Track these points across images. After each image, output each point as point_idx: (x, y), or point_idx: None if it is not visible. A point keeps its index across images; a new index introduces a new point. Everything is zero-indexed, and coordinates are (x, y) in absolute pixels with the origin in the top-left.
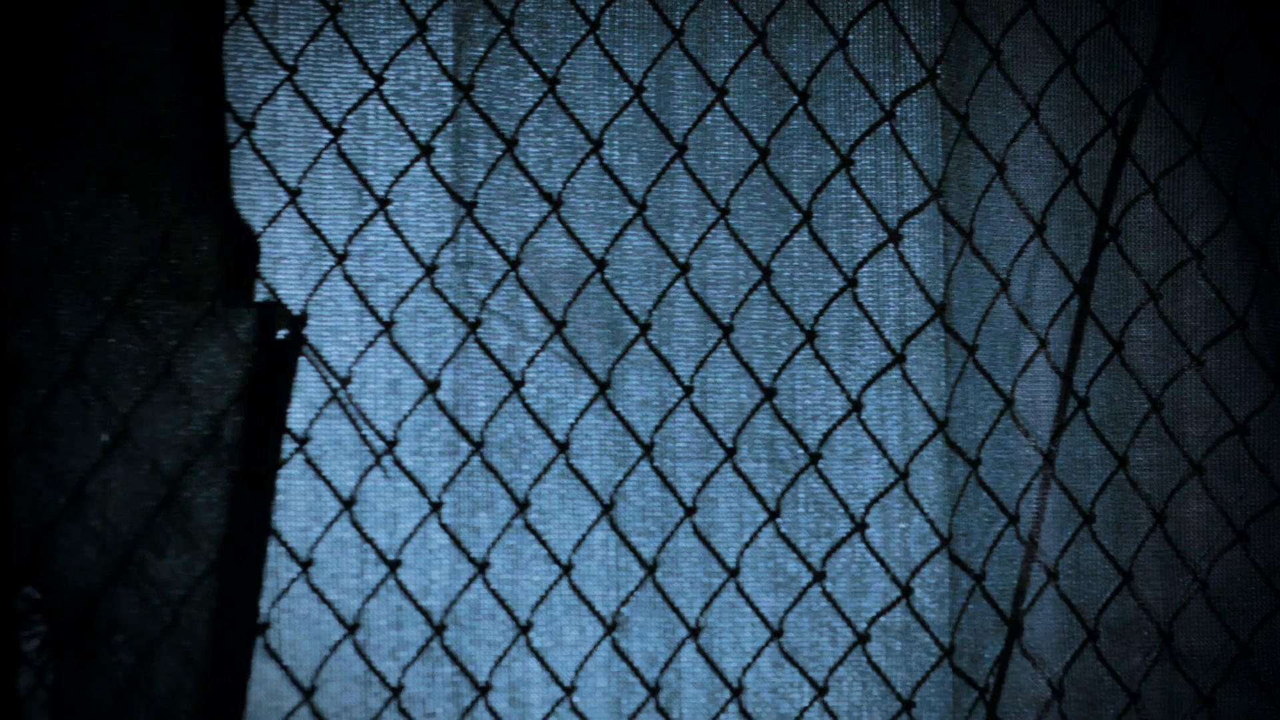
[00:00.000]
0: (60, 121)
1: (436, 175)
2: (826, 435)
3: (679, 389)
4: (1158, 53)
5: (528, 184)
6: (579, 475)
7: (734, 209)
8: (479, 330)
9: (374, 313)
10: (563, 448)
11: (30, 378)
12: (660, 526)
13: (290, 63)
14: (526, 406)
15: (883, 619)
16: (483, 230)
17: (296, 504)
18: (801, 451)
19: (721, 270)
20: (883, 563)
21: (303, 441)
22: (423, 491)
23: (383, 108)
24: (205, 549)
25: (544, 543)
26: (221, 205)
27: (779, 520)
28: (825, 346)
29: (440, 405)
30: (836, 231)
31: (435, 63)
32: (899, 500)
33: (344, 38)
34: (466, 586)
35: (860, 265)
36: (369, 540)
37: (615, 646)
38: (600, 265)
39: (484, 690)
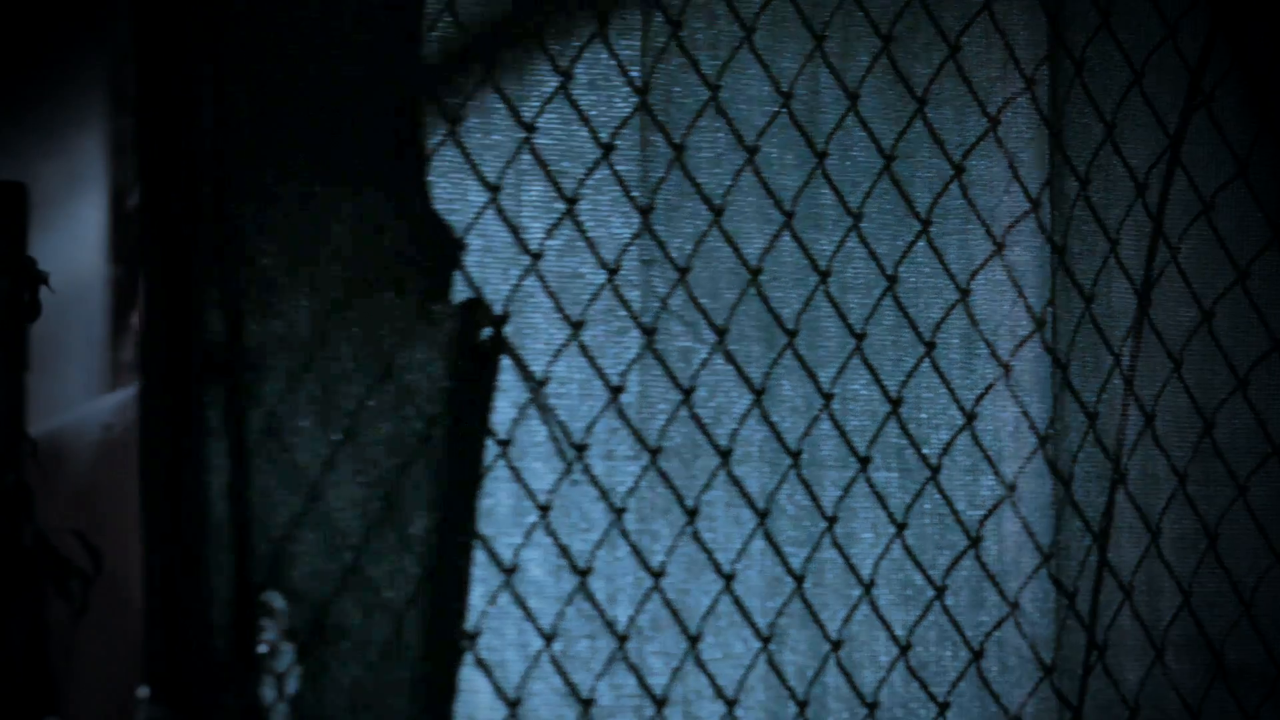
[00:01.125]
0: (303, 127)
1: (616, 175)
2: (946, 447)
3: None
4: (1202, 64)
5: (703, 182)
6: (737, 483)
7: (868, 213)
8: (660, 333)
9: (564, 313)
10: (724, 455)
11: (267, 375)
12: (809, 536)
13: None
14: (693, 414)
15: (1001, 634)
16: (654, 235)
17: (498, 508)
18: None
19: (858, 275)
20: (992, 578)
21: (505, 444)
22: (605, 498)
23: (577, 102)
24: (419, 553)
25: (708, 552)
26: (423, 203)
27: (907, 532)
28: (947, 355)
29: (621, 412)
30: (955, 238)
31: (617, 61)
32: (1011, 512)
33: (540, 44)
34: (646, 597)
35: (973, 276)
36: (563, 548)
37: (770, 661)
38: (755, 272)
39: (660, 704)
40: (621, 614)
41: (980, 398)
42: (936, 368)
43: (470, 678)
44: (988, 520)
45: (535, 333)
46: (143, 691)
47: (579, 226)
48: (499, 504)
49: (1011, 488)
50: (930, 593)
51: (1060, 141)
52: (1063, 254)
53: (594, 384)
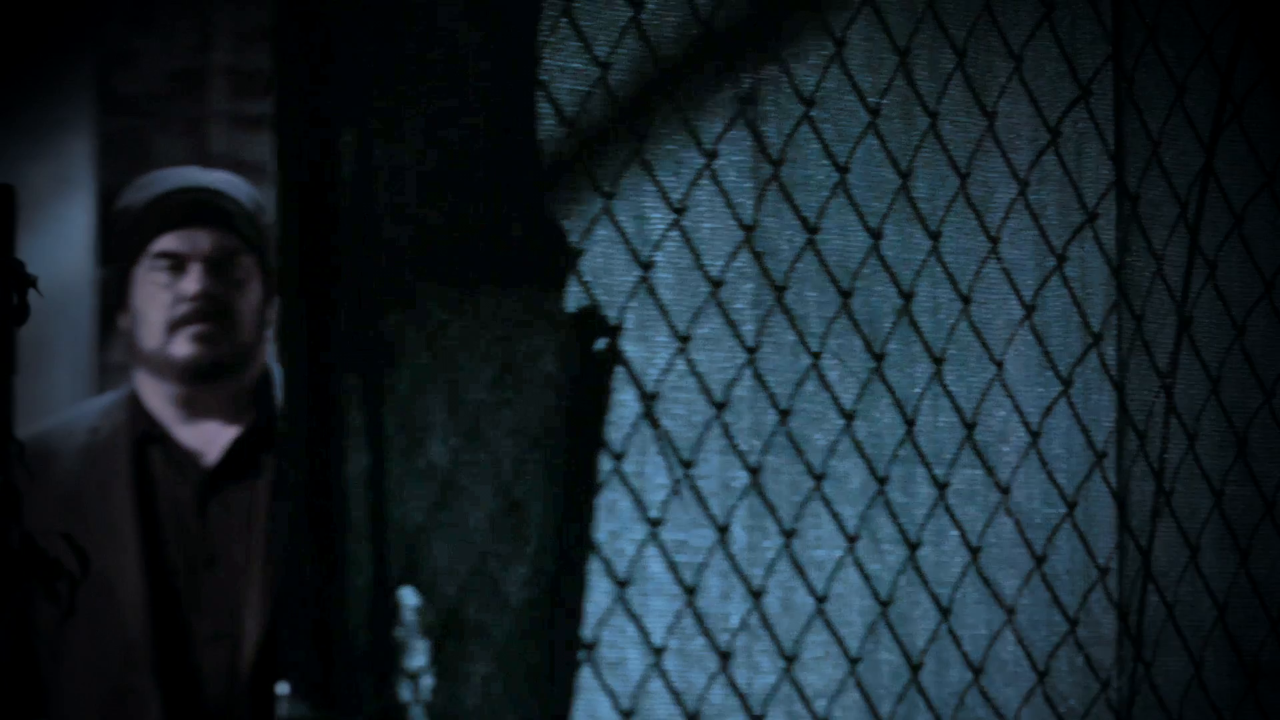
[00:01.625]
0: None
1: (719, 187)
2: (1017, 466)
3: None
4: (1228, 74)
5: (798, 201)
6: (828, 505)
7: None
8: (780, 351)
9: (672, 327)
10: (818, 479)
11: (400, 368)
12: (901, 560)
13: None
14: (789, 435)
15: (1072, 652)
16: (760, 263)
17: (620, 503)
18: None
19: (926, 298)
20: (1055, 595)
21: (618, 456)
22: (710, 516)
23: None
24: (540, 559)
25: (803, 574)
26: (536, 199)
27: (984, 550)
28: (1023, 370)
29: (725, 429)
30: (1020, 253)
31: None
32: (1081, 526)
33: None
34: (746, 616)
35: (1036, 292)
36: (672, 564)
37: (858, 683)
38: (846, 294)
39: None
40: (736, 610)
41: (1046, 414)
42: (1006, 388)
43: (592, 676)
44: (1042, 538)
45: (656, 345)
46: (282, 688)
47: (685, 237)
48: (622, 499)
49: (1073, 505)
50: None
51: (1122, 156)
52: (1119, 272)
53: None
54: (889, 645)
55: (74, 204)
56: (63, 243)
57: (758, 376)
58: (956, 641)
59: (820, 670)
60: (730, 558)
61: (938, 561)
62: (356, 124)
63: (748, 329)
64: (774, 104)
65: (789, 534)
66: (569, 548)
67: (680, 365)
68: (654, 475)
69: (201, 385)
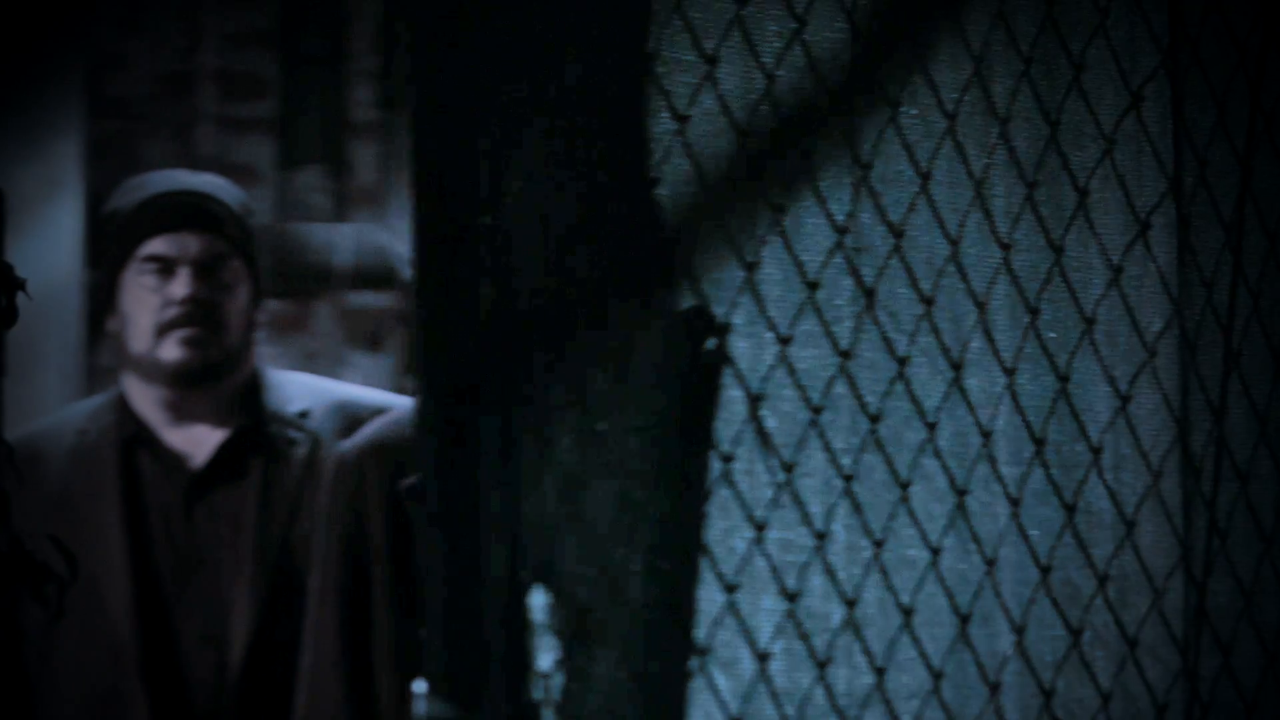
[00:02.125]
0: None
1: (816, 190)
2: (1083, 481)
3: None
4: (1257, 85)
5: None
6: (912, 516)
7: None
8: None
9: (773, 328)
10: (904, 486)
11: (528, 370)
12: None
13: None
14: (876, 440)
15: (1147, 635)
16: (851, 264)
17: (723, 518)
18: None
19: (1001, 305)
20: (1103, 588)
21: (728, 458)
22: (808, 520)
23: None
24: (658, 559)
25: (889, 583)
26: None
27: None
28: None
29: (821, 431)
30: (1078, 259)
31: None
32: (1150, 509)
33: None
34: (841, 628)
35: (1099, 301)
36: (774, 570)
37: (939, 699)
38: (928, 301)
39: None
40: (839, 610)
41: (1120, 419)
42: (1070, 401)
43: (711, 674)
44: (1114, 516)
45: (765, 344)
46: (420, 686)
47: (785, 241)
48: (734, 497)
49: (1158, 474)
50: (1088, 592)
51: (1180, 165)
52: (1179, 305)
53: (845, 405)
54: (980, 645)
55: (63, 207)
56: (51, 246)
57: (849, 380)
58: (1012, 626)
59: (914, 671)
60: (825, 563)
61: (1018, 563)
62: (488, 123)
63: (848, 325)
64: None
65: (879, 543)
66: (684, 548)
67: (790, 363)
68: (765, 473)
69: (190, 389)
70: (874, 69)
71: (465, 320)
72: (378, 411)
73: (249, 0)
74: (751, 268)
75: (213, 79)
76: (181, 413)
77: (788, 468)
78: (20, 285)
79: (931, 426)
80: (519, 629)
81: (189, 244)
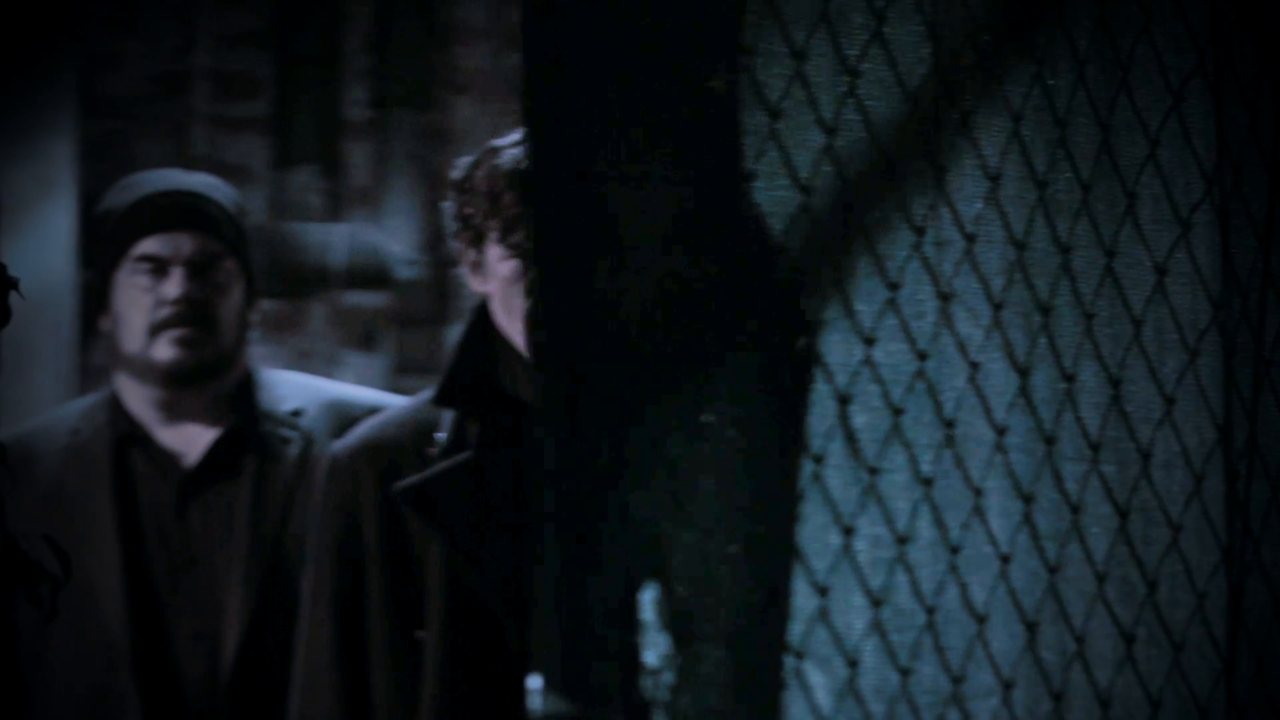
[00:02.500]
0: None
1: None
2: (1134, 487)
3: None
4: None
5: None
6: (981, 517)
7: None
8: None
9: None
10: (976, 492)
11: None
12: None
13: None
14: (951, 446)
15: (1193, 635)
16: (929, 268)
17: (820, 514)
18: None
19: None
20: (1152, 592)
21: (818, 459)
22: (890, 525)
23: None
24: (759, 557)
25: (971, 607)
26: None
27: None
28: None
29: (900, 434)
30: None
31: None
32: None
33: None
34: (921, 632)
35: (1147, 301)
36: (859, 572)
37: (1055, 703)
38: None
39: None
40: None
41: (1157, 426)
42: (1121, 407)
43: (806, 672)
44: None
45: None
46: (535, 681)
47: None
48: (830, 495)
49: (1200, 477)
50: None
51: (1222, 166)
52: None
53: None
54: (1048, 644)
55: (56, 206)
56: (45, 245)
57: (929, 386)
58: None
59: (990, 670)
60: (906, 564)
61: (1079, 567)
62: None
63: (931, 321)
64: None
65: (955, 549)
66: (780, 547)
67: (880, 361)
68: (857, 469)
69: (183, 388)
70: (947, 73)
71: (582, 317)
72: (371, 411)
73: (242, 0)
74: (896, 287)
75: (206, 78)
76: (174, 412)
77: (872, 471)
78: (14, 285)
79: (1000, 431)
80: (630, 625)
81: (182, 244)
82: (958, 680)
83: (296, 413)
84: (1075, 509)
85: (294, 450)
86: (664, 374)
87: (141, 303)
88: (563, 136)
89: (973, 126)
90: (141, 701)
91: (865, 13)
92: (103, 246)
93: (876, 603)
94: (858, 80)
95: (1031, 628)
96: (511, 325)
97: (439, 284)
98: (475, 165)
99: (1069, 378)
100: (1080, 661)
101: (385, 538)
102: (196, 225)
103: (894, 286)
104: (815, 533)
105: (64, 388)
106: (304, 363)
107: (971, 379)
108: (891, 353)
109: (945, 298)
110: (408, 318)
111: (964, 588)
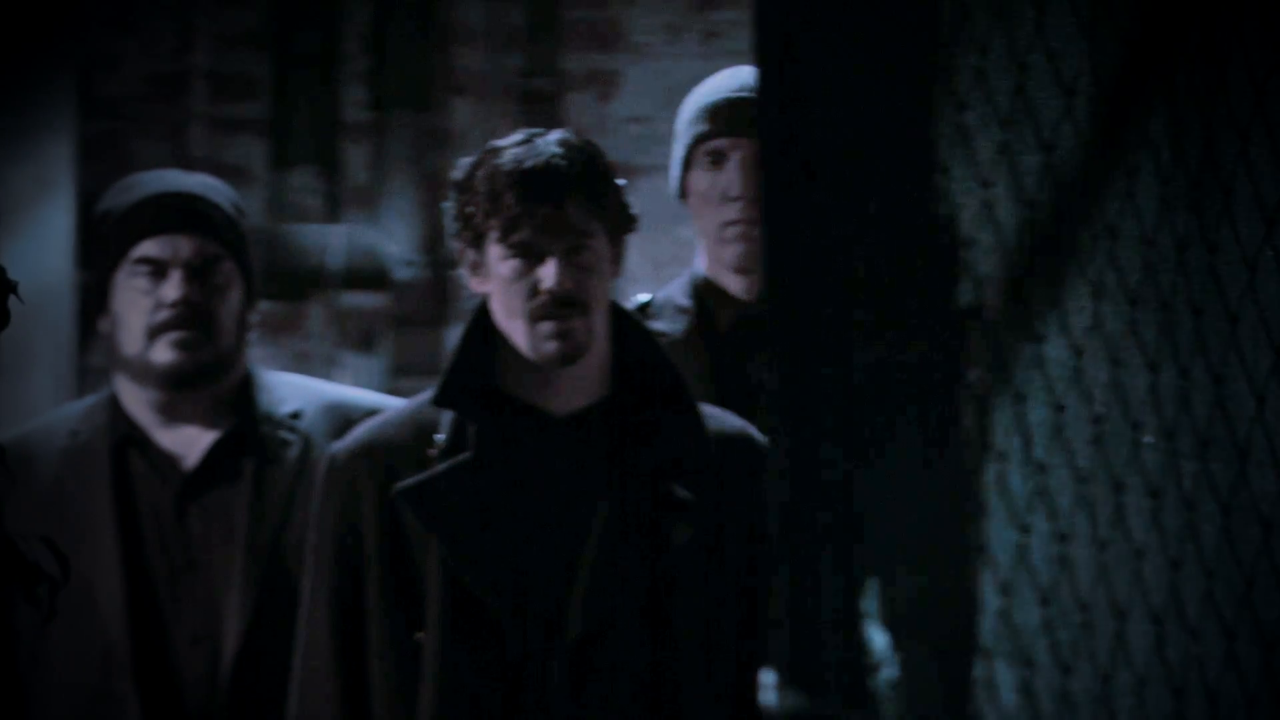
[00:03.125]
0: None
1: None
2: (1242, 459)
3: None
4: None
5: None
6: (1121, 514)
7: None
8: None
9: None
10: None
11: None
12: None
13: None
14: (1100, 438)
15: None
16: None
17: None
18: None
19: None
20: (1249, 589)
21: (1000, 457)
22: (1056, 528)
23: None
24: (935, 567)
25: (1110, 583)
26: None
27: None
28: None
29: (1064, 440)
30: None
31: None
32: None
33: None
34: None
35: (1240, 297)
36: (1031, 571)
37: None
38: None
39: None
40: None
41: None
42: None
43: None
44: None
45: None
46: (768, 677)
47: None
48: (1009, 494)
49: None
50: None
51: None
52: None
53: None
54: (1173, 642)
55: (54, 207)
56: (43, 247)
57: (1084, 382)
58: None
59: (1142, 669)
60: (1068, 565)
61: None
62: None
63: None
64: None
65: (1103, 543)
66: (969, 547)
67: (1043, 360)
68: (1027, 467)
69: (181, 391)
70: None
71: (811, 320)
72: (370, 413)
73: (240, 0)
74: (1024, 266)
75: (204, 79)
76: (173, 414)
77: (1040, 467)
78: (13, 289)
79: (1134, 425)
80: (855, 620)
81: (181, 246)
82: (1106, 679)
83: (296, 415)
84: (1191, 506)
85: (293, 452)
86: (875, 370)
87: (140, 305)
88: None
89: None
90: (140, 704)
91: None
92: (101, 248)
93: (1045, 601)
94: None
95: (1160, 623)
96: (511, 325)
97: (437, 285)
98: (476, 165)
99: (1185, 372)
100: (1197, 659)
101: (385, 539)
102: (195, 227)
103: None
104: (998, 531)
105: (63, 389)
106: (302, 364)
107: (1116, 375)
108: (1056, 347)
109: (1096, 295)
110: (406, 319)
111: (1111, 584)
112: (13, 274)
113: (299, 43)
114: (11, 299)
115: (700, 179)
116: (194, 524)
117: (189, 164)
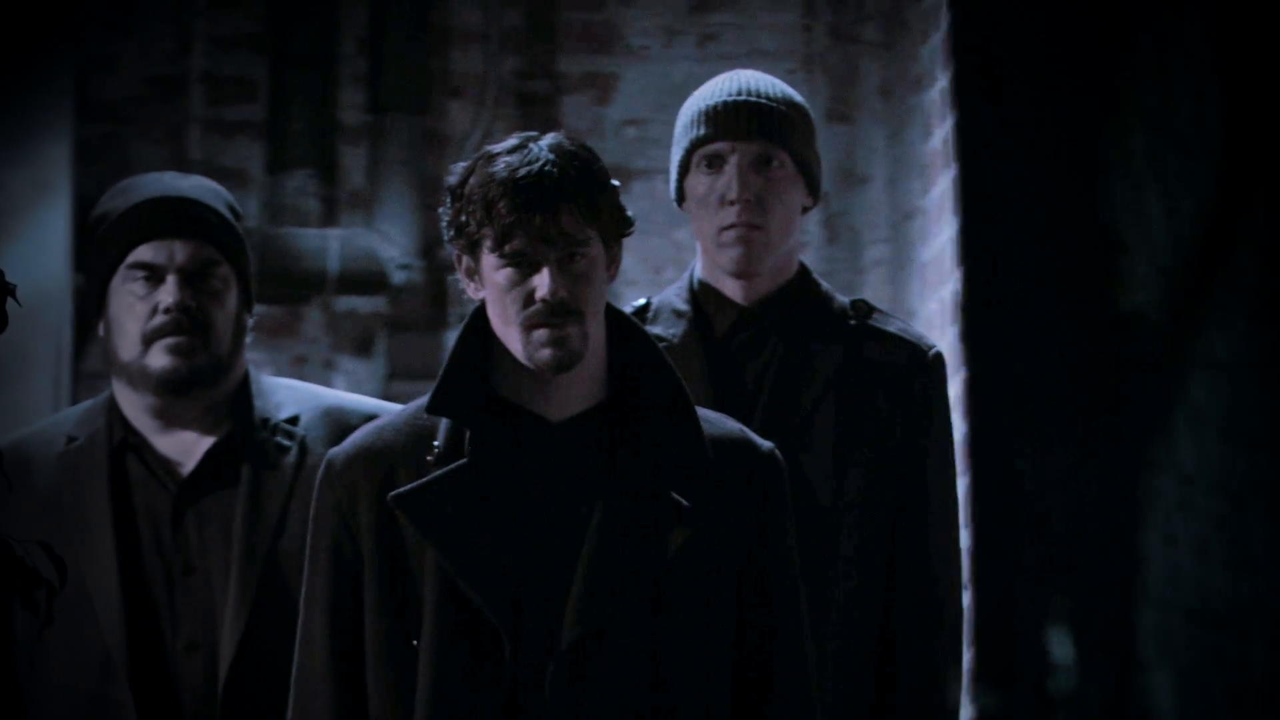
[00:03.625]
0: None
1: None
2: None
3: None
4: None
5: None
6: None
7: None
8: None
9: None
10: None
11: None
12: None
13: None
14: None
15: None
16: None
17: None
18: None
19: None
20: None
21: (1189, 481)
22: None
23: None
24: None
25: None
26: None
27: None
28: None
29: None
30: None
31: None
32: None
33: None
34: None
35: None
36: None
37: None
38: None
39: None
40: None
41: None
42: None
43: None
44: None
45: None
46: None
47: None
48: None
49: None
50: None
51: None
52: None
53: None
54: None
55: (52, 210)
56: (41, 250)
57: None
58: None
59: None
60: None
61: None
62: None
63: None
64: None
65: None
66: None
67: None
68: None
69: (178, 396)
70: None
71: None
72: (367, 418)
73: (238, 3)
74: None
75: (202, 82)
76: (170, 419)
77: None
78: (10, 292)
79: None
80: (1044, 625)
81: (176, 251)
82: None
83: (293, 420)
84: None
85: (290, 458)
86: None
87: (136, 310)
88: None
89: None
90: (137, 709)
91: None
92: (97, 253)
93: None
94: None
95: None
96: (507, 332)
97: (434, 289)
98: (469, 172)
99: None
100: None
101: (382, 545)
102: (191, 232)
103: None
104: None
105: (61, 393)
106: (299, 367)
107: None
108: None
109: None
110: (403, 322)
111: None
112: (10, 278)
113: (296, 46)
114: (9, 302)
115: (698, 183)
116: (191, 529)
117: (186, 167)
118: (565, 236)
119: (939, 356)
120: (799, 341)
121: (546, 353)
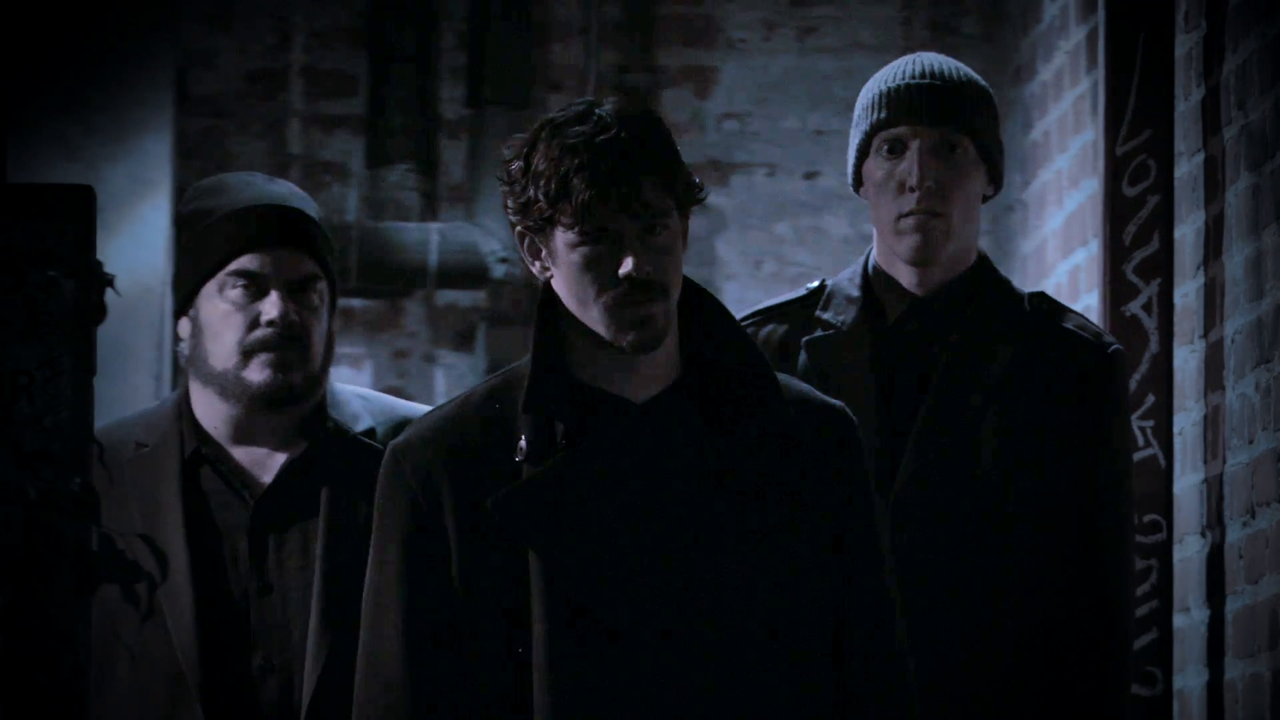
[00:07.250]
0: None
1: None
2: None
3: None
4: None
5: None
6: None
7: None
8: None
9: None
10: None
11: None
12: None
13: None
14: None
15: None
16: None
17: None
18: None
19: None
20: None
21: None
22: None
23: None
24: None
25: None
26: None
27: None
28: None
29: None
30: None
31: None
32: None
33: None
34: None
35: None
36: None
37: None
38: None
39: None
40: None
41: None
42: None
43: None
44: None
45: None
46: None
47: None
48: None
49: None
50: None
51: None
52: None
53: None
54: None
55: (152, 205)
56: (141, 244)
57: None
58: None
59: None
60: None
61: None
62: None
63: None
64: None
65: None
66: None
67: None
68: None
69: (272, 411)
70: None
71: None
72: None
73: None
74: None
75: (302, 76)
76: (250, 432)
77: None
78: (109, 282)
79: None
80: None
81: (283, 263)
82: None
83: (369, 433)
84: None
85: (369, 472)
86: None
87: (234, 320)
88: None
89: None
90: None
91: None
92: (195, 252)
93: None
94: None
95: None
96: (586, 314)
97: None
98: (530, 145)
99: None
100: None
101: (475, 550)
102: (296, 244)
103: None
104: None
105: (162, 386)
106: (399, 361)
107: None
108: None
109: None
110: (503, 316)
111: None
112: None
113: (396, 40)
114: (108, 293)
115: (877, 167)
116: (268, 546)
117: (286, 161)
118: (647, 208)
119: (1119, 353)
120: (973, 334)
121: (633, 334)
